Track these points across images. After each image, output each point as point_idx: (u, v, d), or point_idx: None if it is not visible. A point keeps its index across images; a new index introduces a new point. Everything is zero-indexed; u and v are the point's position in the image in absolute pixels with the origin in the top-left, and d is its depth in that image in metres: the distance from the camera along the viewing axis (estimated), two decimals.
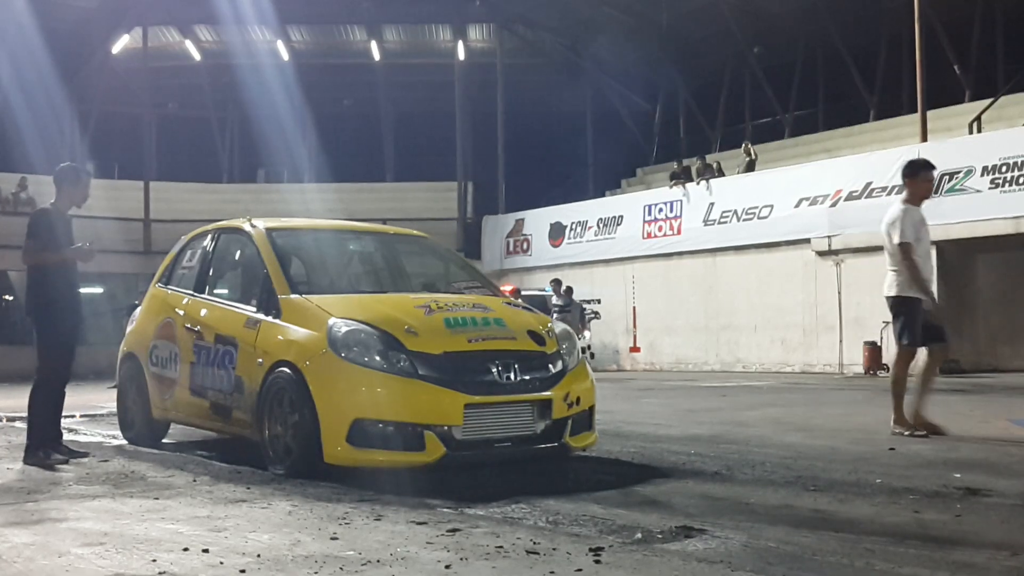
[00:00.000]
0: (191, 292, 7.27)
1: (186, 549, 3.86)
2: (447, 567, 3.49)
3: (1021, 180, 16.59)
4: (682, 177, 22.66)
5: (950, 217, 17.27)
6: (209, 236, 7.51)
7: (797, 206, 19.87)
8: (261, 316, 6.23)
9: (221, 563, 3.62)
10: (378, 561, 3.60)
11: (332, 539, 3.99)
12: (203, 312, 6.92)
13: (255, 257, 6.67)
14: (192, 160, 32.24)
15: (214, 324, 6.69)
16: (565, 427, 5.79)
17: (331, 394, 5.51)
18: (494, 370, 5.61)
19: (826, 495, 4.95)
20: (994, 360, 18.23)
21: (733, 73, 29.20)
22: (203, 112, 32.79)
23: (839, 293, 18.84)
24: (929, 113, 19.41)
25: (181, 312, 7.18)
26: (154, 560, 3.68)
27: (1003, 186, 16.77)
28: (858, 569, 3.42)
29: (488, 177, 29.09)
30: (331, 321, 5.73)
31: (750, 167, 22.49)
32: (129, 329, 8.20)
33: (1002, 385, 13.98)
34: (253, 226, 6.95)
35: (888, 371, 17.66)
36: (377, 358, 5.54)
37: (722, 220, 21.33)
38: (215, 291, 7.15)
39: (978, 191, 17.04)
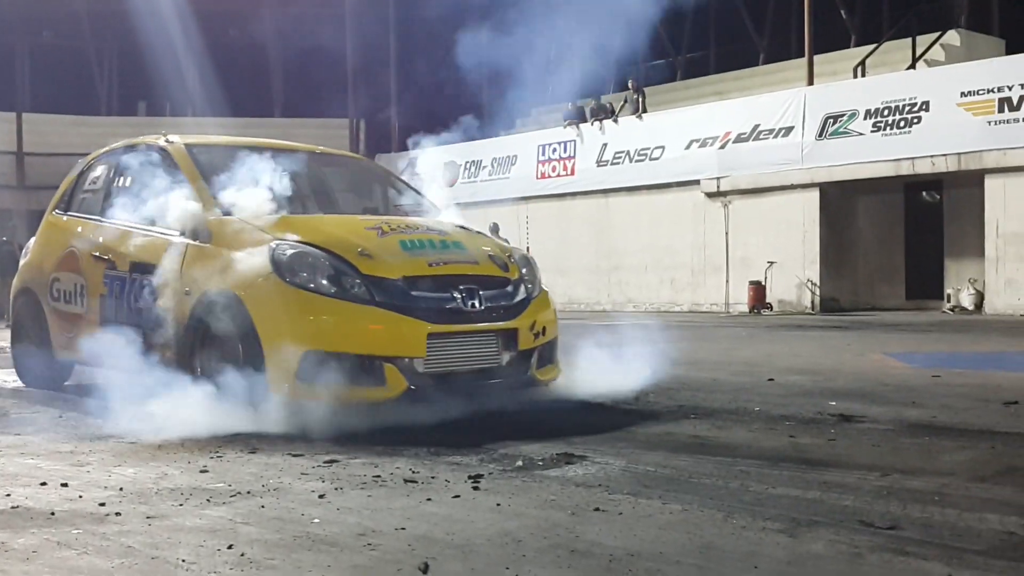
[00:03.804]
0: (97, 218, 6.52)
1: (44, 483, 3.66)
2: (320, 496, 3.39)
3: (901, 124, 17.05)
4: (576, 118, 22.64)
5: (834, 159, 17.72)
6: (117, 156, 6.70)
7: (688, 148, 20.07)
8: (186, 240, 5.52)
9: (80, 496, 3.44)
10: (248, 492, 3.48)
11: (202, 472, 3.85)
12: (114, 239, 6.16)
13: (175, 176, 5.91)
14: (68, 91, 30.76)
15: (128, 251, 5.95)
16: (531, 359, 5.38)
17: (277, 325, 4.89)
18: (457, 297, 5.11)
19: (705, 422, 5.00)
20: (872, 299, 18.87)
21: (625, 15, 29.12)
22: (80, 42, 31.28)
23: (726, 234, 19.17)
24: (816, 57, 19.74)
25: (87, 240, 6.45)
26: (8, 495, 3.48)
27: (884, 129, 17.21)
28: (732, 490, 3.45)
29: (382, 115, 28.57)
30: (273, 243, 5.10)
31: (636, 108, 22.57)
32: (23, 262, 7.45)
33: (879, 322, 14.47)
34: (170, 142, 6.24)
35: (771, 309, 18.25)
36: (328, 283, 4.94)
37: (615, 161, 21.43)
38: (126, 215, 6.19)
39: (861, 134, 17.46)
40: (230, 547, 2.79)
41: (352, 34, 28.67)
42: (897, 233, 18.90)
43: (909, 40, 20.15)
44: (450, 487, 3.52)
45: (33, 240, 7.45)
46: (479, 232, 6.15)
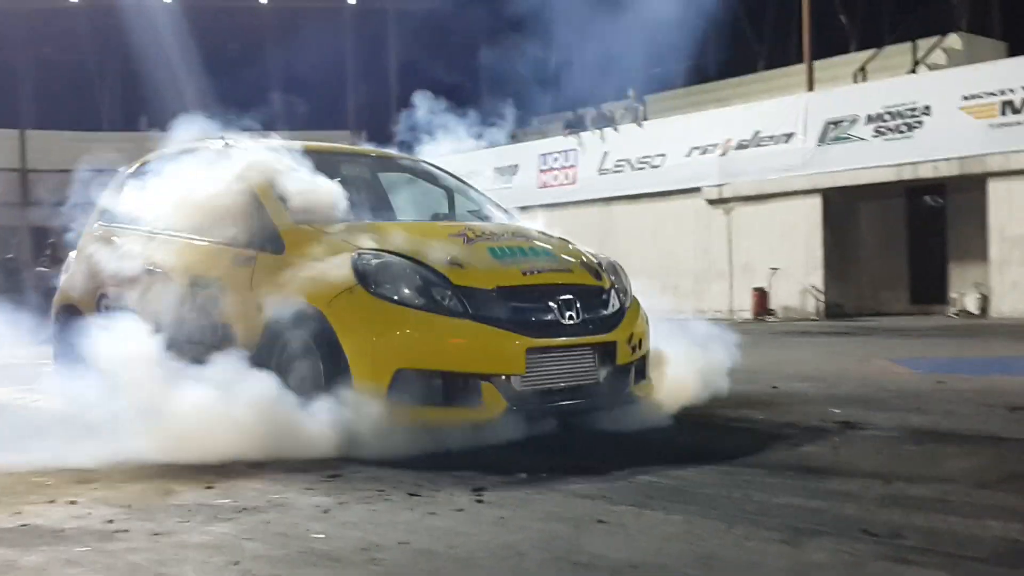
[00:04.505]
0: (149, 229, 6.06)
1: (52, 501, 3.68)
2: (324, 511, 3.41)
3: (903, 128, 17.06)
4: (576, 126, 22.69)
5: (836, 165, 17.73)
6: (168, 162, 6.20)
7: (689, 155, 20.09)
8: (254, 252, 5.15)
9: (88, 514, 3.46)
10: (254, 508, 3.49)
11: (207, 488, 3.86)
12: (170, 251, 5.74)
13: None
14: (70, 107, 30.91)
15: (188, 264, 5.55)
16: (629, 374, 5.03)
17: (365, 341, 4.53)
18: (554, 308, 4.75)
19: (708, 432, 5.01)
20: (876, 304, 18.85)
21: (625, 22, 29.20)
22: (81, 56, 31.41)
23: (729, 241, 19.18)
24: (816, 63, 19.79)
25: (138, 253, 5.99)
26: (18, 512, 3.50)
27: (886, 134, 17.23)
28: (735, 500, 3.46)
29: (383, 126, 28.63)
30: (355, 252, 4.74)
31: (636, 116, 22.62)
32: (63, 278, 7.12)
33: (883, 328, 14.46)
34: (230, 145, 5.84)
35: (775, 316, 18.24)
36: (417, 295, 4.60)
37: (616, 169, 21.47)
38: (183, 225, 5.73)
39: (862, 139, 17.48)
40: (236, 563, 2.81)
41: (353, 45, 28.78)
42: (900, 238, 18.88)
43: (910, 44, 20.20)
44: (454, 499, 3.54)
45: (74, 255, 7.08)
46: (562, 238, 5.72)
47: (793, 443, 4.60)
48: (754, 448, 4.49)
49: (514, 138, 28.23)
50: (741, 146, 19.19)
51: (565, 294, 4.84)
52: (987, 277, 16.39)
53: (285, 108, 31.81)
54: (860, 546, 2.83)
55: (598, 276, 5.16)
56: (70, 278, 6.97)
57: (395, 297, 4.59)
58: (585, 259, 5.30)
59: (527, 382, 4.57)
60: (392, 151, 6.99)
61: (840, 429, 4.95)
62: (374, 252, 4.76)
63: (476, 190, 6.65)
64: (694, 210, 19.87)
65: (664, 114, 23.07)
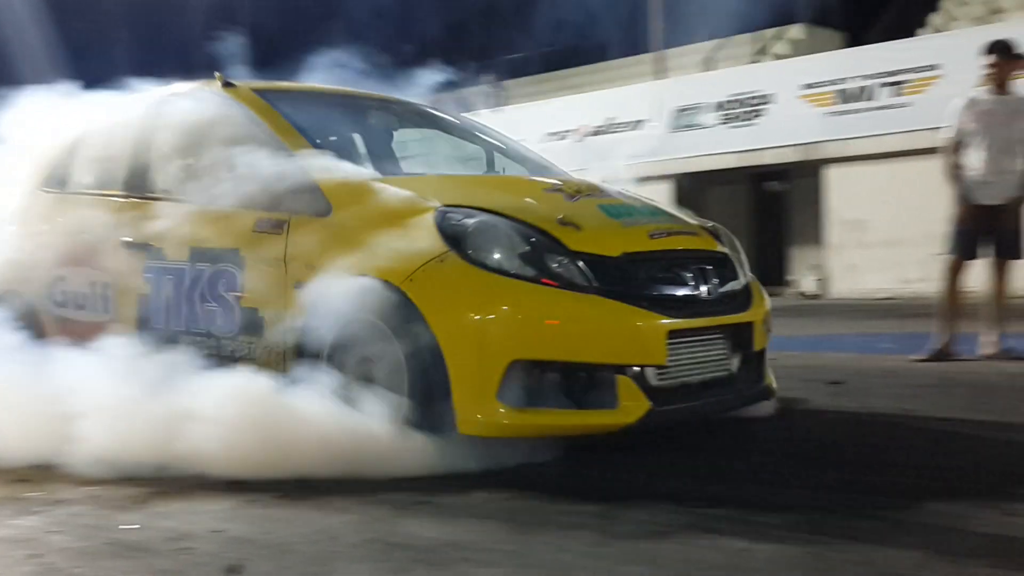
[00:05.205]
0: (124, 193, 4.83)
1: None
2: (139, 502, 3.31)
3: (748, 116, 17.68)
4: None
5: (686, 151, 18.24)
6: (146, 111, 4.95)
7: (544, 141, 20.29)
8: (285, 215, 3.99)
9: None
10: (66, 500, 3.37)
11: (19, 481, 3.69)
12: (159, 219, 4.45)
13: (255, 131, 4.29)
14: None
15: (186, 234, 4.32)
16: (763, 363, 4.22)
17: (468, 323, 3.48)
18: (690, 280, 3.84)
19: None
20: None
21: (483, 9, 29.31)
22: None
23: None
24: (668, 51, 20.30)
25: (111, 223, 4.74)
26: None
27: (732, 122, 17.82)
28: (552, 477, 3.52)
29: None
30: (440, 209, 3.70)
31: (495, 101, 22.74)
32: None
33: None
34: (230, 85, 4.62)
35: None
36: (529, 264, 3.58)
37: None
38: (174, 187, 4.60)
39: (710, 126, 18.03)
40: (36, 556, 2.71)
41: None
42: (745, 222, 19.55)
43: (756, 35, 20.90)
44: (277, 487, 3.47)
45: (10, 229, 5.38)
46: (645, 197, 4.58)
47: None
48: None
49: None
50: (596, 132, 19.52)
51: (699, 263, 3.95)
52: (825, 259, 17.16)
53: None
54: (669, 516, 2.93)
55: (719, 240, 4.29)
56: (7, 260, 5.27)
57: (502, 267, 3.58)
58: (699, 220, 4.44)
59: (665, 375, 3.64)
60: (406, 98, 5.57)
61: None
62: (464, 210, 3.72)
63: (521, 144, 5.59)
64: None
65: (522, 100, 23.25)
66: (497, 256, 3.59)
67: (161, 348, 4.17)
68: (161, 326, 4.42)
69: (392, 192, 3.89)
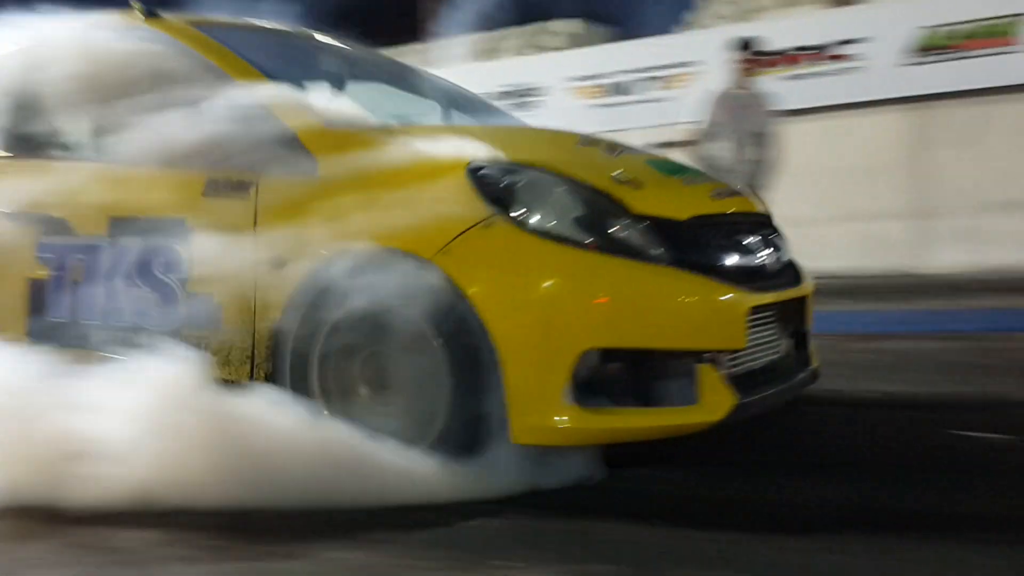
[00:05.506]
0: (7, 154, 3.92)
1: None
2: None
3: (522, 106, 18.03)
4: None
5: None
6: (40, 52, 3.91)
7: None
8: (248, 175, 3.20)
9: None
10: None
11: None
12: (64, 183, 3.59)
13: (195, 72, 3.44)
14: None
15: (104, 201, 3.47)
16: (810, 344, 3.65)
17: (526, 308, 2.80)
18: (757, 248, 3.32)
19: None
20: None
21: None
22: None
23: None
24: (438, 43, 20.31)
25: None
26: None
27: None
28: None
29: None
30: (473, 165, 3.00)
31: None
32: None
33: None
34: (153, 14, 3.74)
35: None
36: (588, 230, 2.92)
37: None
38: (83, 144, 3.82)
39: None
40: None
41: None
42: None
43: (530, 27, 21.36)
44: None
45: None
46: None
47: None
48: None
49: None
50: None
51: (760, 228, 3.44)
52: None
53: None
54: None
55: (763, 204, 3.71)
56: None
57: (563, 234, 2.90)
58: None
59: (738, 362, 3.06)
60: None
61: None
62: (504, 165, 3.02)
63: (490, 103, 4.81)
64: None
65: None
66: (551, 221, 2.92)
67: (61, 347, 3.40)
68: (64, 318, 3.55)
69: (403, 141, 3.17)
